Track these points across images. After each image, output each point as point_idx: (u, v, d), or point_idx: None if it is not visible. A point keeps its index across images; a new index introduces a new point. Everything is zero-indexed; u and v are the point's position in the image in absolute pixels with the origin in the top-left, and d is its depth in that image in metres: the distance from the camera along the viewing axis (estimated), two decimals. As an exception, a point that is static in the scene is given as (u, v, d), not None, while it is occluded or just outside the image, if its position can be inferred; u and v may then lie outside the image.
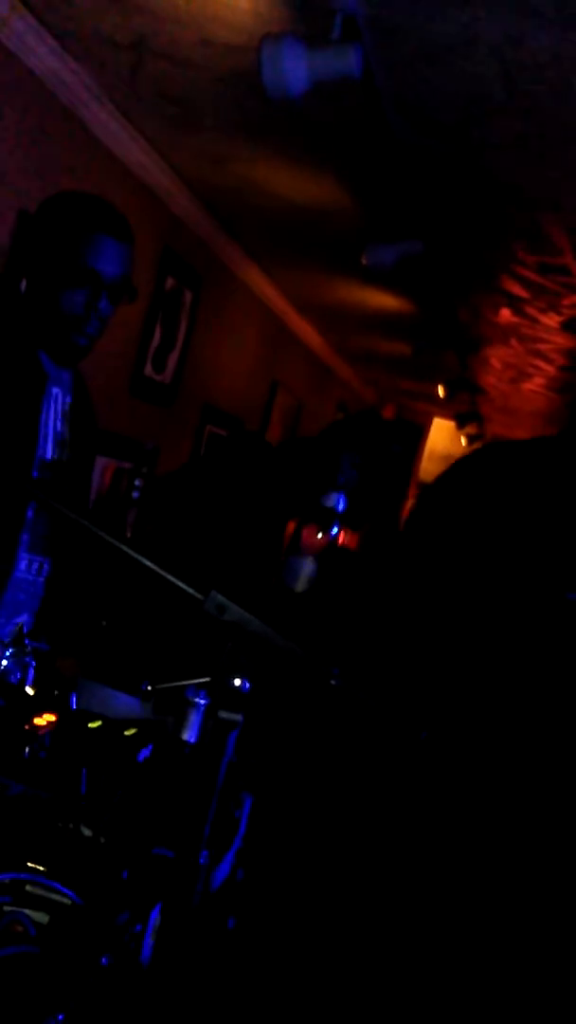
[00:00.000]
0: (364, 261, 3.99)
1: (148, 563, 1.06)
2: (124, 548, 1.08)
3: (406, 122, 3.03)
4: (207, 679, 1.15)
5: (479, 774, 1.11)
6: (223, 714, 1.03)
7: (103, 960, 0.90)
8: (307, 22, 2.53)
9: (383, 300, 5.53)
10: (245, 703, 1.05)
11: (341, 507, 1.37)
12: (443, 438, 9.96)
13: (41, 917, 0.96)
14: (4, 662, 1.59)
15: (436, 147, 3.19)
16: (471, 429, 8.32)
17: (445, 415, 9.37)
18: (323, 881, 1.35)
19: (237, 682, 1.05)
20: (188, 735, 1.49)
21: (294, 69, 2.35)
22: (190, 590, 1.06)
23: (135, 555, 1.07)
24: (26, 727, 1.38)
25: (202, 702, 1.46)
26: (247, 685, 1.06)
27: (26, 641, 1.60)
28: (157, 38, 2.87)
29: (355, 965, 1.18)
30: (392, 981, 1.13)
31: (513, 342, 5.74)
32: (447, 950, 1.10)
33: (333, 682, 1.07)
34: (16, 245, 3.29)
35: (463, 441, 8.43)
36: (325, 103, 2.82)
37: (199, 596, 1.05)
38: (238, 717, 1.03)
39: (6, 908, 0.92)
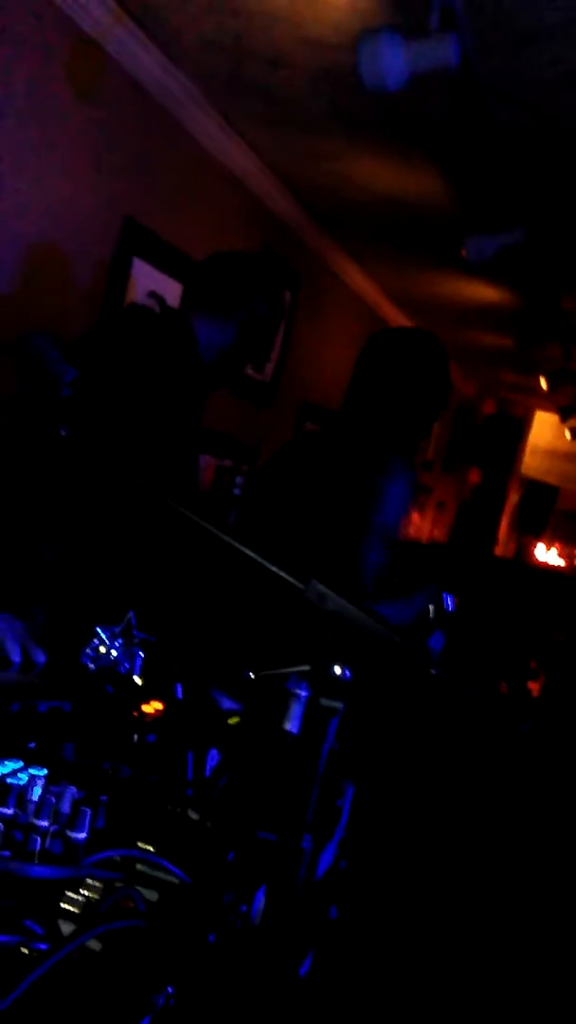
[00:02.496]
0: (464, 254, 3.94)
1: (248, 552, 1.09)
2: (225, 538, 1.10)
3: (504, 109, 2.98)
4: (307, 667, 1.17)
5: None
6: (324, 701, 1.04)
7: (210, 937, 0.93)
8: (404, 14, 2.52)
9: (483, 292, 5.45)
10: (346, 691, 1.06)
11: (440, 646, 1.33)
12: (546, 432, 9.73)
13: (150, 895, 0.99)
14: (114, 652, 1.64)
15: (535, 134, 3.13)
16: (575, 422, 8.11)
17: (548, 408, 9.16)
18: (424, 872, 1.35)
19: (338, 670, 1.06)
20: (291, 726, 1.51)
21: (392, 62, 2.35)
22: (290, 579, 1.08)
23: (236, 544, 1.10)
24: (135, 714, 1.43)
25: (304, 693, 1.48)
26: (348, 673, 1.07)
27: (134, 632, 1.65)
28: (255, 40, 2.91)
29: (454, 958, 1.18)
30: (493, 974, 1.12)
31: (619, 331, 5.57)
32: (557, 943, 1.09)
33: (434, 672, 1.07)
34: (122, 251, 3.39)
35: (567, 435, 8.22)
36: (422, 94, 2.79)
37: (299, 585, 1.07)
38: (338, 705, 1.04)
39: (117, 884, 0.96)
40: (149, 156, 3.45)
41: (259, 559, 1.07)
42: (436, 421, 2.45)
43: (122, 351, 2.05)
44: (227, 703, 1.51)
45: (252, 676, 1.31)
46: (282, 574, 1.06)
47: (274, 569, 1.07)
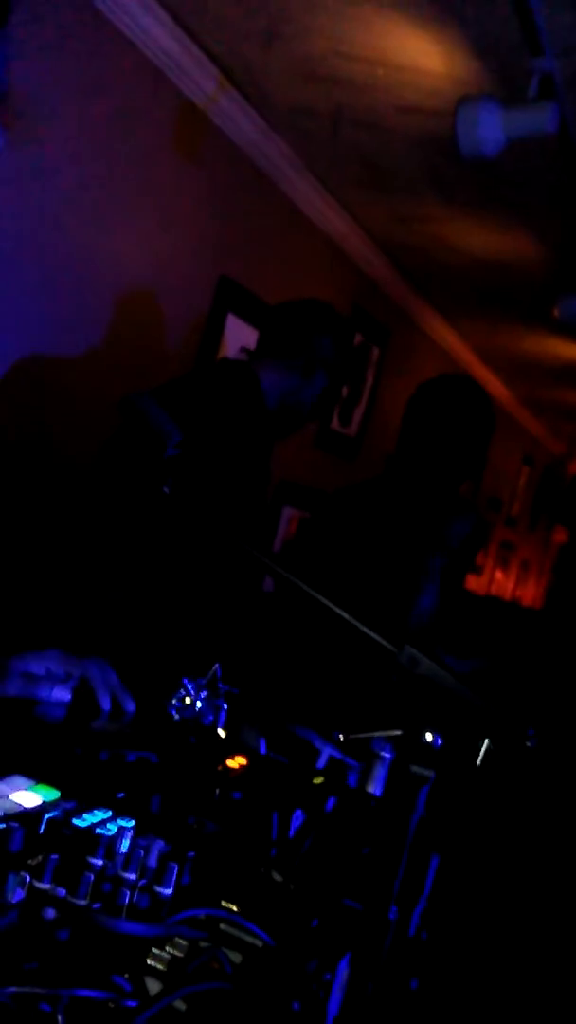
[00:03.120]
0: (556, 314, 3.93)
1: (343, 613, 1.09)
2: (320, 598, 1.11)
3: (603, 174, 2.99)
4: (398, 732, 1.16)
5: None
6: (414, 769, 1.03)
7: (294, 1005, 0.92)
8: (503, 82, 2.56)
9: (573, 351, 5.40)
10: (437, 759, 1.04)
11: (439, 743, 1.29)
12: None
13: (235, 956, 0.99)
14: (199, 704, 1.66)
15: None
16: None
17: None
18: (507, 946, 1.31)
19: (429, 737, 1.05)
20: (374, 788, 1.50)
21: (490, 130, 2.39)
22: (384, 642, 1.07)
23: (329, 604, 1.10)
24: (219, 768, 1.44)
25: (388, 755, 1.46)
26: (439, 741, 1.06)
27: (219, 684, 1.66)
28: (354, 107, 2.99)
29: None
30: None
31: None
32: None
33: (529, 744, 1.05)
34: (217, 308, 3.48)
35: None
36: (518, 159, 2.83)
37: (393, 648, 1.07)
38: (430, 773, 1.03)
39: (204, 944, 0.95)
40: (246, 216, 3.55)
41: (354, 621, 1.08)
42: (482, 462, 2.42)
43: (199, 408, 2.11)
44: (319, 743, 1.50)
45: (342, 738, 1.30)
46: (376, 637, 1.06)
47: (368, 631, 1.07)
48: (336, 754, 1.51)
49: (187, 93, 3.05)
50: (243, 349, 3.61)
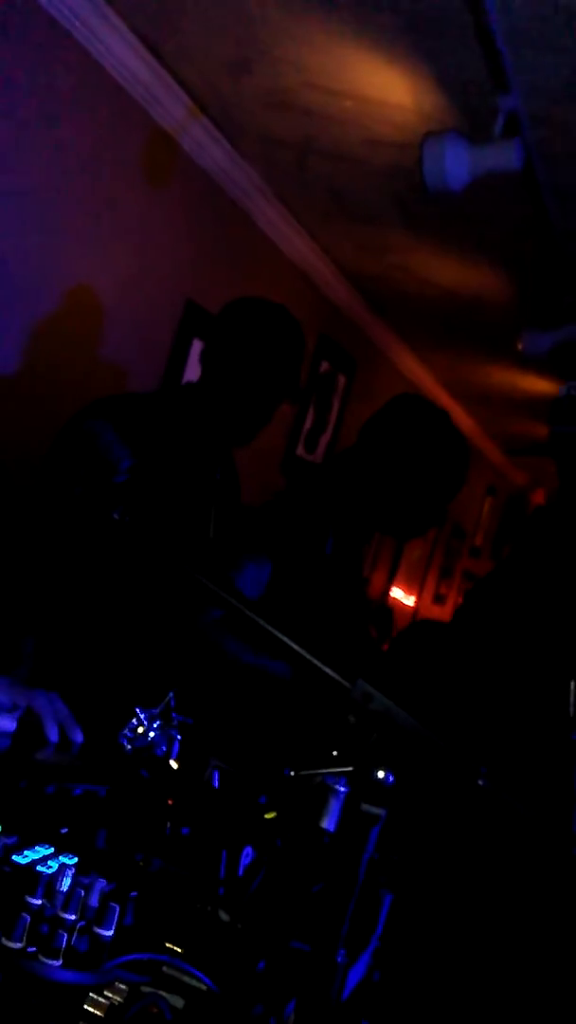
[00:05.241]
0: (520, 347, 3.97)
1: (295, 646, 1.07)
2: (272, 630, 1.09)
3: (564, 211, 3.03)
4: (349, 768, 1.14)
5: None
6: (365, 807, 1.01)
7: (236, 1054, 0.89)
8: (469, 119, 2.59)
9: (537, 384, 5.47)
10: (389, 797, 1.02)
11: (391, 780, 1.23)
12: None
13: (176, 1001, 0.95)
14: (151, 734, 1.62)
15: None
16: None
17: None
18: (462, 987, 1.28)
19: (381, 774, 1.03)
20: (327, 823, 1.47)
21: (456, 165, 2.41)
22: (337, 676, 1.06)
23: (282, 637, 1.08)
24: (169, 802, 1.40)
25: (343, 790, 1.44)
26: (391, 778, 1.04)
27: (173, 714, 1.63)
28: (323, 138, 3.01)
29: None
30: None
31: None
32: None
33: (481, 782, 1.03)
34: (182, 333, 3.47)
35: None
36: (483, 194, 2.86)
37: (346, 683, 1.05)
38: (381, 812, 1.01)
39: (144, 988, 0.92)
40: (214, 243, 3.56)
41: (307, 655, 1.06)
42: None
43: (157, 432, 2.06)
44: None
45: (292, 774, 1.28)
46: (329, 671, 1.05)
47: (321, 666, 1.05)
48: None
49: (157, 120, 3.06)
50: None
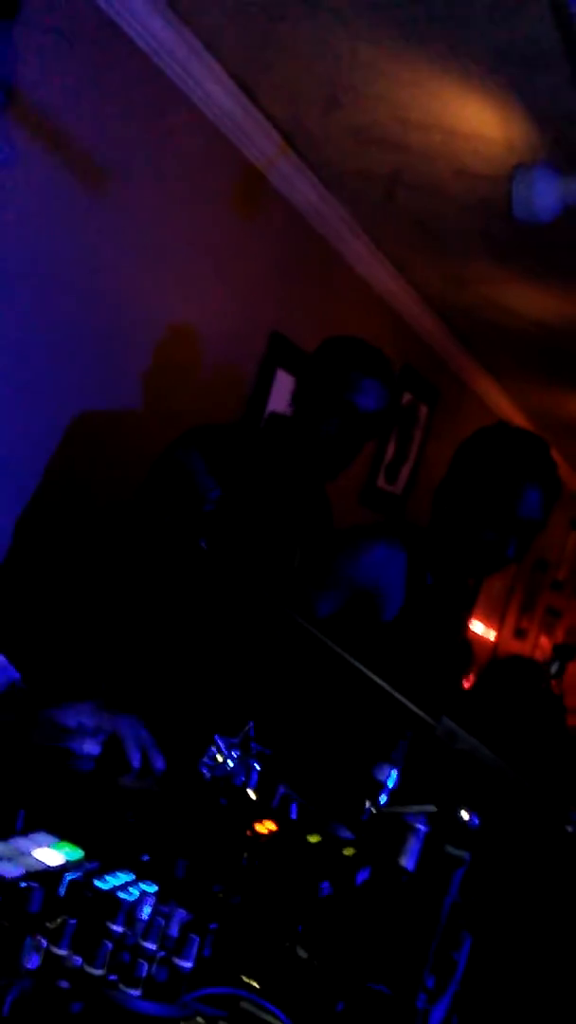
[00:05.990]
0: (608, 378, 3.90)
1: (382, 683, 1.06)
2: (358, 665, 1.08)
3: None
4: (432, 808, 1.12)
5: None
6: (449, 850, 0.99)
7: None
8: (560, 151, 2.57)
9: (626, 416, 5.36)
10: (473, 839, 1.00)
11: (393, 783, 1.17)
12: None
13: (253, 1037, 0.95)
14: (230, 763, 1.62)
15: None
16: None
17: None
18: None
19: (465, 816, 1.01)
20: (407, 862, 1.44)
21: (545, 196, 2.39)
22: (422, 714, 1.04)
23: (369, 673, 1.07)
24: (248, 833, 1.40)
25: (423, 828, 1.41)
26: (476, 820, 1.02)
27: (252, 744, 1.63)
28: (411, 171, 3.02)
29: None
30: None
31: None
32: None
33: (570, 828, 1.00)
34: (267, 363, 3.51)
35: None
36: (571, 223, 2.82)
37: (431, 721, 1.03)
38: (465, 855, 0.99)
39: (221, 1023, 0.92)
40: (300, 274, 3.60)
41: (391, 690, 1.05)
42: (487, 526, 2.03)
43: (246, 463, 2.08)
44: (344, 834, 1.46)
45: (373, 810, 1.26)
46: (414, 708, 1.03)
47: (406, 702, 1.04)
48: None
49: (248, 155, 3.12)
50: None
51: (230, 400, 3.40)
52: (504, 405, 5.92)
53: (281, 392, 3.59)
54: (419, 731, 1.03)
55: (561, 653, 5.75)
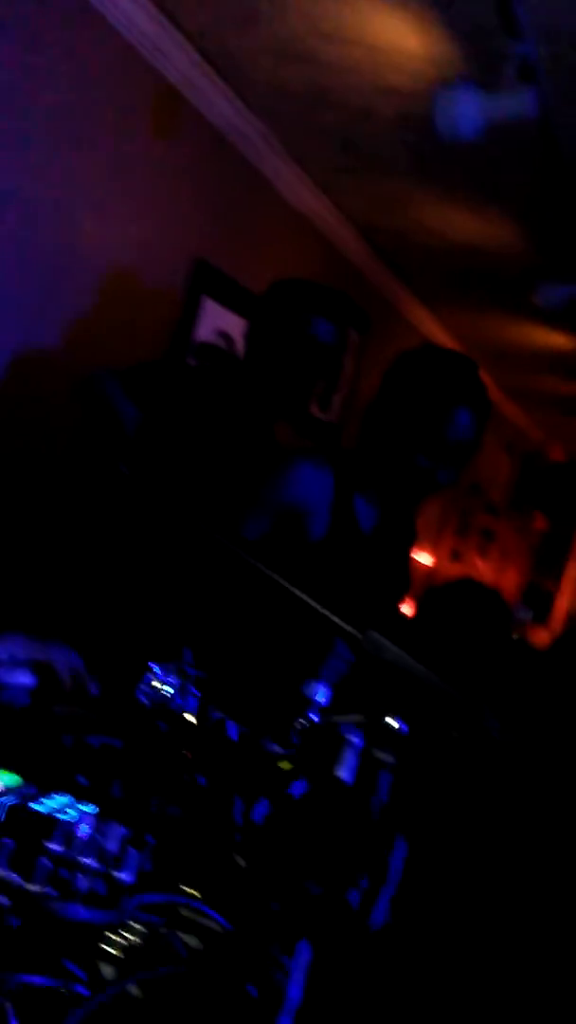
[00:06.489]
0: (536, 300, 3.93)
1: (307, 599, 1.08)
2: (284, 583, 1.10)
3: (582, 159, 2.98)
4: (360, 717, 1.15)
5: None
6: (376, 754, 1.02)
7: (250, 989, 0.91)
8: (482, 65, 2.54)
9: (553, 339, 5.40)
10: (401, 744, 1.04)
11: (325, 700, 1.18)
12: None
13: (192, 941, 0.98)
14: (169, 689, 1.64)
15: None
16: None
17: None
18: (477, 929, 1.30)
19: (392, 722, 1.04)
20: (343, 774, 1.49)
21: (468, 113, 2.37)
22: (348, 628, 1.07)
23: (294, 590, 1.09)
24: (187, 755, 1.42)
25: (358, 742, 1.45)
26: (404, 727, 1.05)
27: (189, 669, 1.65)
28: (332, 88, 2.96)
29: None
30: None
31: None
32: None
33: (494, 734, 1.04)
34: (192, 292, 3.45)
35: None
36: (498, 143, 2.81)
37: (356, 634, 1.06)
38: (391, 758, 1.02)
39: (160, 929, 0.95)
40: (224, 199, 3.52)
41: (316, 606, 1.07)
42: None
43: (184, 398, 2.07)
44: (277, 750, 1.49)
45: (305, 724, 1.29)
46: (339, 622, 1.06)
47: (331, 616, 1.06)
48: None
49: (165, 74, 3.01)
50: (220, 333, 3.58)
51: (156, 330, 3.34)
52: (437, 331, 5.93)
53: (208, 321, 3.54)
54: (349, 644, 1.06)
55: (534, 599, 5.69)
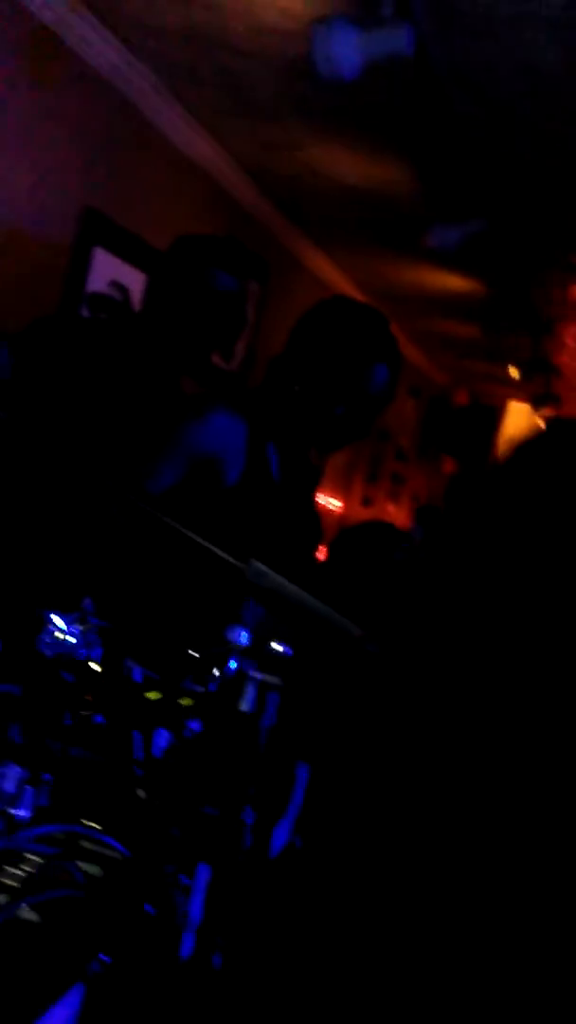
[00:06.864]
0: (428, 242, 3.97)
1: (187, 532, 1.10)
2: (165, 519, 1.11)
3: (464, 97, 3.01)
4: (246, 644, 1.18)
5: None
6: (261, 676, 1.06)
7: (148, 908, 0.94)
8: (357, 2, 2.53)
9: (451, 282, 5.48)
10: (286, 667, 1.07)
11: (245, 641, 1.22)
12: (519, 422, 9.79)
13: (94, 870, 1.01)
14: (72, 639, 1.65)
15: (492, 123, 3.15)
16: (547, 411, 8.17)
17: (520, 398, 9.22)
18: (372, 850, 1.36)
19: (277, 646, 1.08)
20: (244, 706, 1.53)
21: (345, 51, 2.37)
22: (230, 559, 1.09)
23: (174, 524, 1.11)
24: (88, 698, 1.44)
25: (258, 676, 1.49)
26: (288, 650, 1.09)
27: (91, 619, 1.66)
28: (212, 29, 2.91)
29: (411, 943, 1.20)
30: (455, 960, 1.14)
31: (586, 319, 5.62)
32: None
33: (371, 648, 1.09)
34: (82, 240, 3.38)
35: (540, 424, 8.28)
36: (380, 82, 2.81)
37: (239, 564, 1.09)
38: (276, 680, 1.06)
39: (55, 860, 0.97)
40: (111, 146, 3.44)
41: (198, 539, 1.09)
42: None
43: (76, 349, 2.05)
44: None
45: (196, 655, 1.32)
46: (221, 553, 1.08)
47: (213, 549, 1.08)
48: None
49: (37, 14, 2.91)
50: (113, 284, 3.53)
51: (47, 282, 3.27)
52: (334, 276, 5.94)
53: (101, 271, 3.48)
54: (233, 575, 1.08)
55: (424, 516, 5.91)
